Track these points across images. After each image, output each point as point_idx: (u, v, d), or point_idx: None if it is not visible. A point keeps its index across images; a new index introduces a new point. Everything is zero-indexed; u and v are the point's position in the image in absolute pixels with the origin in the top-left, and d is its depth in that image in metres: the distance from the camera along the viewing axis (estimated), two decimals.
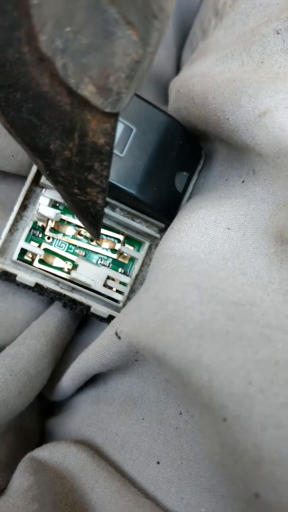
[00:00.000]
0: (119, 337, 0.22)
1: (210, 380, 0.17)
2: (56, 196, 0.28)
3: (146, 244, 0.30)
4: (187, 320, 0.20)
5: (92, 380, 0.29)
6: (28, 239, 0.28)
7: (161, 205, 0.28)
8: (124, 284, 0.29)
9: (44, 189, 0.28)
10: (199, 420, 0.20)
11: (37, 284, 0.28)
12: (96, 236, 0.25)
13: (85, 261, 0.29)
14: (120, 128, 0.26)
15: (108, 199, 0.28)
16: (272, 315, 0.19)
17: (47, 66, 0.16)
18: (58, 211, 0.28)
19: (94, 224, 0.23)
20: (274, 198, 0.23)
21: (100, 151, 0.19)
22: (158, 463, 0.23)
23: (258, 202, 0.24)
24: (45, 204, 0.27)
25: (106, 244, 0.30)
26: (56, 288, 0.28)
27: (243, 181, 0.25)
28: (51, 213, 0.27)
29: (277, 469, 0.15)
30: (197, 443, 0.22)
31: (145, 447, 0.24)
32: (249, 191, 0.25)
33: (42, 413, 0.33)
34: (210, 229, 0.24)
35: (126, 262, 0.30)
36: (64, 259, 0.29)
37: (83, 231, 0.29)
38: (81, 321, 0.33)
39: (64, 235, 0.29)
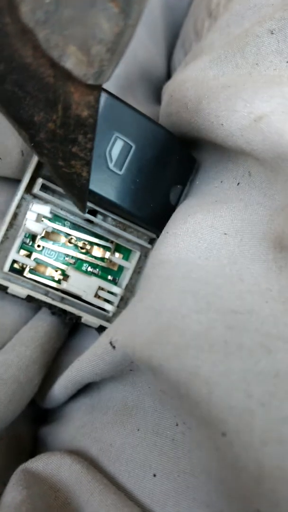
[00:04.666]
0: (114, 347, 0.22)
1: (209, 393, 0.17)
2: (44, 211, 0.27)
3: (137, 254, 0.30)
4: (184, 330, 0.19)
5: (86, 388, 0.28)
6: (19, 249, 0.28)
7: (156, 219, 0.28)
8: (114, 294, 0.29)
9: (31, 204, 0.27)
10: (196, 432, 0.20)
11: (28, 296, 0.28)
12: (82, 209, 0.25)
13: (76, 272, 0.28)
14: (119, 145, 0.26)
15: (100, 209, 0.28)
16: (272, 323, 0.19)
17: (30, 38, 0.16)
18: (45, 226, 0.27)
19: (79, 197, 0.24)
20: (272, 203, 0.23)
21: (83, 123, 0.19)
22: (155, 475, 0.22)
23: (255, 206, 0.24)
24: (32, 219, 0.27)
25: (96, 252, 0.29)
26: (48, 300, 0.28)
27: (238, 184, 0.25)
28: (39, 228, 0.27)
29: (279, 487, 0.15)
30: (194, 456, 0.21)
31: (141, 458, 0.23)
32: (245, 195, 0.24)
33: (35, 421, 0.32)
34: (206, 234, 0.24)
35: (115, 269, 0.30)
36: (54, 268, 0.29)
37: (74, 239, 0.29)
38: (72, 326, 0.33)
39: (54, 243, 0.29)
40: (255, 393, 0.17)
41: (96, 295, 0.29)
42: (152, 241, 0.30)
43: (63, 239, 0.29)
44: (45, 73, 0.17)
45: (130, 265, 0.30)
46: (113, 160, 0.26)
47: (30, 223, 0.26)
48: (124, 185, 0.26)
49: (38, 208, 0.27)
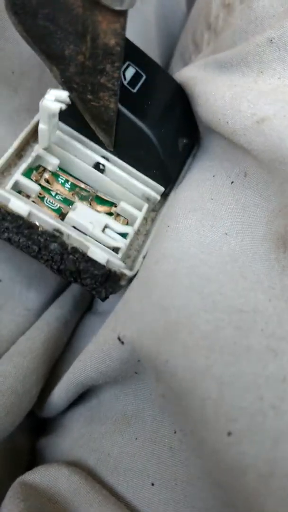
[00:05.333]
0: (122, 342, 0.22)
1: (220, 392, 0.17)
2: (62, 95, 0.24)
3: (145, 206, 0.28)
4: (193, 329, 0.19)
5: (85, 398, 0.28)
6: (24, 173, 0.26)
7: (165, 153, 0.27)
8: (124, 235, 0.27)
9: (49, 89, 0.25)
10: (193, 438, 0.20)
11: (29, 223, 0.25)
12: (109, 144, 0.26)
13: (83, 205, 0.26)
14: (132, 71, 0.27)
15: (109, 155, 0.27)
16: (276, 323, 0.19)
17: None
18: (63, 105, 0.24)
19: (107, 131, 0.25)
20: (268, 204, 0.23)
21: (111, 52, 0.20)
22: (153, 484, 0.22)
23: (252, 208, 0.24)
24: (50, 98, 0.24)
25: (100, 209, 0.28)
26: (51, 221, 0.25)
27: (232, 182, 0.25)
28: (56, 107, 0.24)
29: None
30: (191, 463, 0.21)
31: (139, 468, 0.23)
32: (240, 195, 0.24)
33: (33, 432, 0.32)
34: (208, 232, 0.24)
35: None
36: (58, 211, 0.27)
37: (78, 189, 0.28)
38: (69, 336, 0.32)
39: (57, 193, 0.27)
40: (266, 396, 0.17)
41: (103, 233, 0.26)
42: (161, 195, 0.28)
43: (67, 192, 0.27)
44: (75, 4, 0.18)
45: (139, 213, 0.28)
46: (126, 79, 0.26)
47: (47, 101, 0.24)
48: (137, 102, 0.26)
49: (56, 92, 0.25)
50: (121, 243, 0.26)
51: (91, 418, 0.27)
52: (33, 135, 0.27)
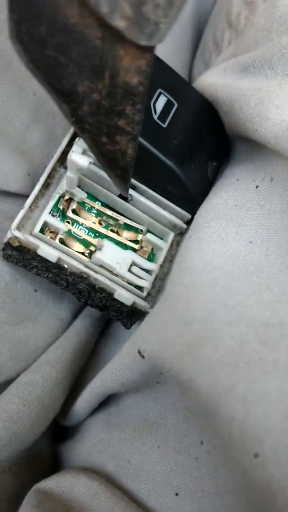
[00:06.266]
0: (143, 356, 0.21)
1: (245, 412, 0.17)
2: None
3: (171, 235, 0.28)
4: (217, 344, 0.19)
5: (104, 403, 0.28)
6: (51, 211, 0.26)
7: (194, 188, 0.27)
8: (149, 272, 0.28)
9: (77, 138, 0.25)
10: (222, 452, 0.19)
11: (57, 264, 0.26)
12: (124, 191, 0.24)
13: (111, 243, 0.27)
14: (163, 100, 0.26)
15: (137, 183, 0.27)
16: None
17: None
18: (91, 159, 0.24)
19: (122, 177, 0.22)
20: None
21: (132, 92, 0.17)
22: (177, 494, 0.21)
23: (278, 215, 0.23)
24: (78, 152, 0.24)
25: (127, 235, 0.28)
26: (79, 266, 0.26)
27: (257, 187, 0.24)
28: (84, 161, 0.24)
29: None
30: (220, 476, 0.20)
31: (161, 476, 0.22)
32: (266, 200, 0.24)
33: (54, 438, 0.32)
34: (231, 240, 0.23)
35: (146, 257, 0.28)
36: (86, 244, 0.27)
37: (105, 217, 0.28)
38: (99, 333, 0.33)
39: (84, 222, 0.28)
40: None
41: (130, 271, 0.27)
42: (187, 223, 0.28)
43: (93, 219, 0.28)
44: (92, 35, 0.15)
45: (165, 245, 0.28)
46: (157, 113, 0.26)
47: (76, 155, 0.24)
48: (167, 138, 0.25)
49: (84, 143, 0.25)
50: (146, 282, 0.27)
51: (110, 423, 0.27)
52: (60, 158, 0.27)
